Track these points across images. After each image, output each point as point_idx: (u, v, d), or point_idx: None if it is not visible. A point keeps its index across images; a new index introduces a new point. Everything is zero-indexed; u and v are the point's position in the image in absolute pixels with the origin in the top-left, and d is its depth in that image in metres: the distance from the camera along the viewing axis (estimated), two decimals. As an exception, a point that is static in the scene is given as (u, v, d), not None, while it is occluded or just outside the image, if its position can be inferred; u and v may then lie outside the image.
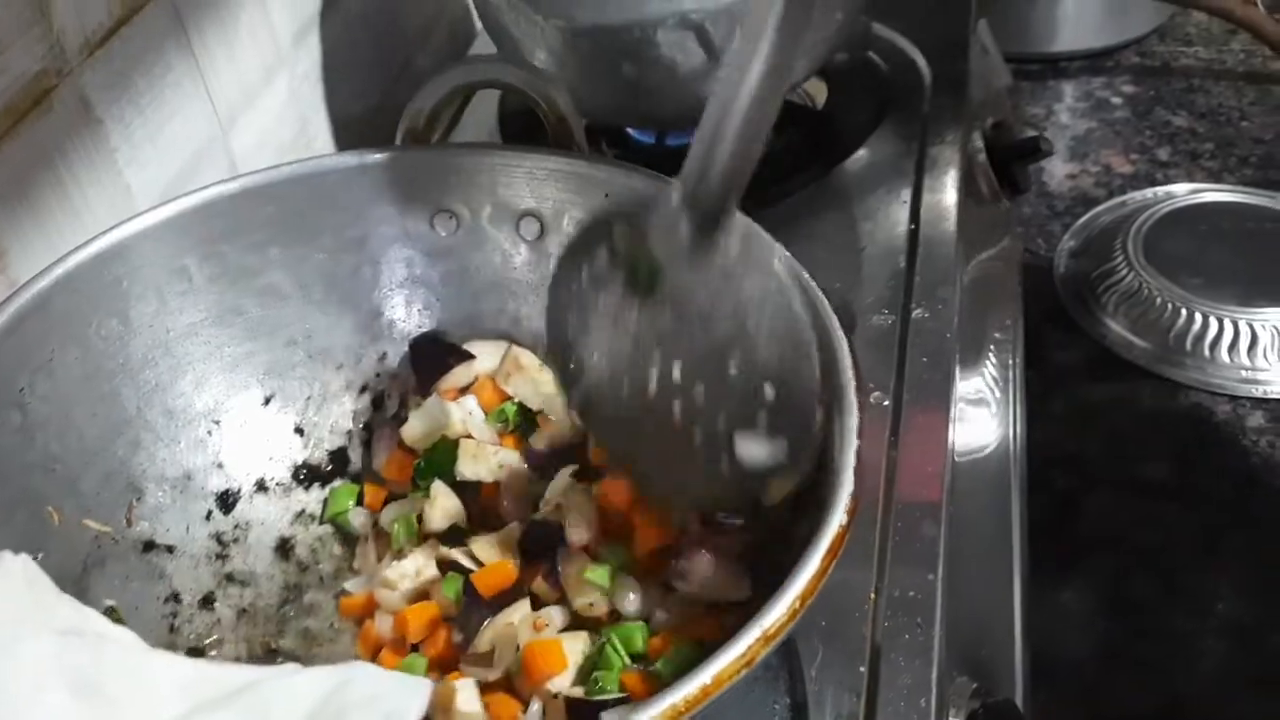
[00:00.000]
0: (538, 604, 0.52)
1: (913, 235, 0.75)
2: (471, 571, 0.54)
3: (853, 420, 0.44)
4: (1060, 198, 1.14)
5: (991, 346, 0.84)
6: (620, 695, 0.47)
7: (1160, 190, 1.11)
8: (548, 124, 0.61)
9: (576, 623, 0.51)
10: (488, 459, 0.57)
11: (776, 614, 0.38)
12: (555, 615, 0.51)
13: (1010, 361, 0.85)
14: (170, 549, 0.56)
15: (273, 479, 0.60)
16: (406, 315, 0.63)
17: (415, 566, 0.55)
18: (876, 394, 0.63)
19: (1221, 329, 0.95)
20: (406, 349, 0.63)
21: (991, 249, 0.93)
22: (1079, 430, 0.92)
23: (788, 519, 0.45)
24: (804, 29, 0.40)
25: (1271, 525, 0.83)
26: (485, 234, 0.62)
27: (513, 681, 0.50)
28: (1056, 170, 1.17)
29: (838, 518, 0.41)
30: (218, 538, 0.58)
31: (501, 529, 0.55)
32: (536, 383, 0.59)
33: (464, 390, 0.61)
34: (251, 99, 0.76)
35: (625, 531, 0.52)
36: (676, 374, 0.46)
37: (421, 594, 0.55)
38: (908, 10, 0.95)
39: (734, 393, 0.45)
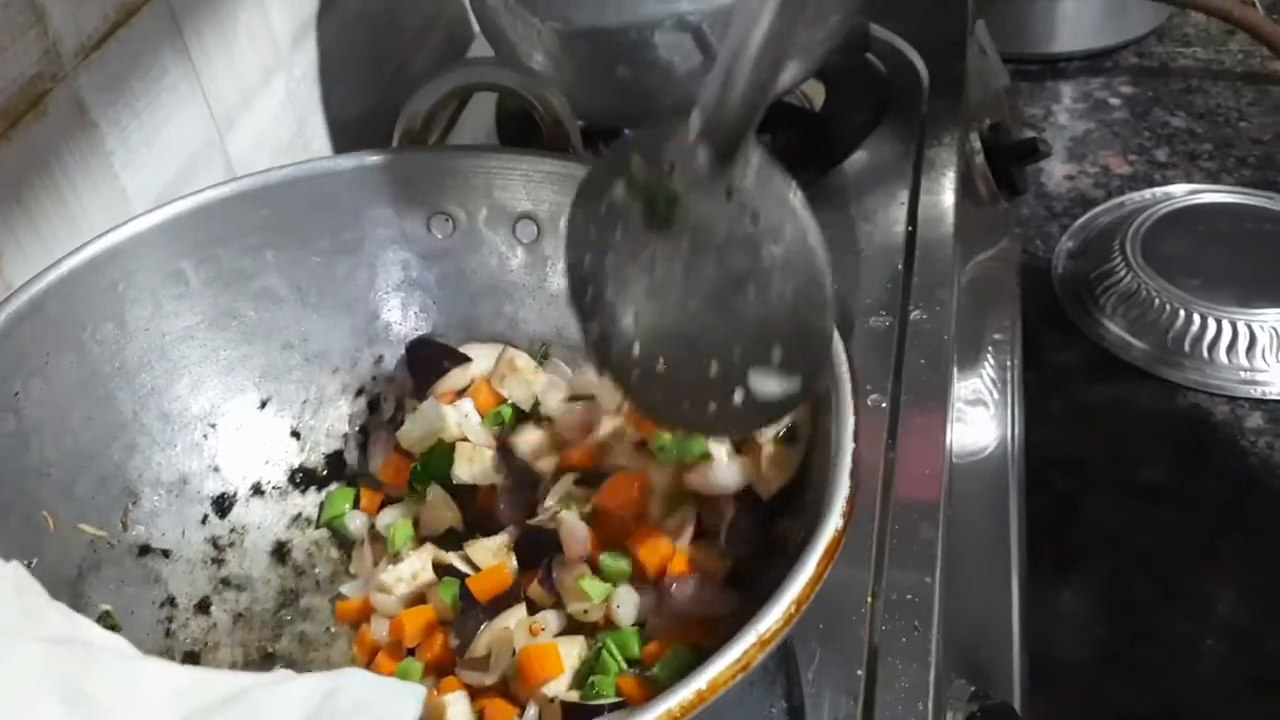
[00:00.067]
0: (534, 608, 0.52)
1: (910, 237, 0.75)
2: (468, 575, 0.54)
3: (848, 424, 0.44)
4: (1058, 199, 1.14)
5: (989, 348, 0.84)
6: (616, 700, 0.47)
7: (1158, 191, 1.11)
8: (544, 126, 0.61)
9: (572, 627, 0.51)
10: (484, 462, 0.57)
11: (772, 618, 0.38)
12: (551, 619, 0.51)
13: (1008, 363, 0.85)
14: (166, 553, 0.56)
15: (269, 483, 0.60)
16: (403, 318, 0.63)
17: (411, 570, 0.55)
18: (874, 396, 0.63)
19: (1220, 330, 0.94)
20: (403, 352, 0.63)
21: (990, 250, 0.93)
22: (1077, 431, 0.92)
23: (783, 524, 0.45)
24: None
25: (1270, 526, 0.83)
26: (482, 236, 0.62)
27: (509, 686, 0.50)
28: (1055, 171, 1.17)
29: (833, 522, 0.41)
30: (214, 542, 0.58)
31: (497, 533, 0.55)
32: (531, 385, 0.59)
33: (460, 393, 0.60)
34: (248, 101, 0.75)
35: (622, 537, 0.52)
36: (693, 305, 0.46)
37: (418, 598, 0.55)
38: (905, 11, 0.95)
39: (749, 325, 0.45)
